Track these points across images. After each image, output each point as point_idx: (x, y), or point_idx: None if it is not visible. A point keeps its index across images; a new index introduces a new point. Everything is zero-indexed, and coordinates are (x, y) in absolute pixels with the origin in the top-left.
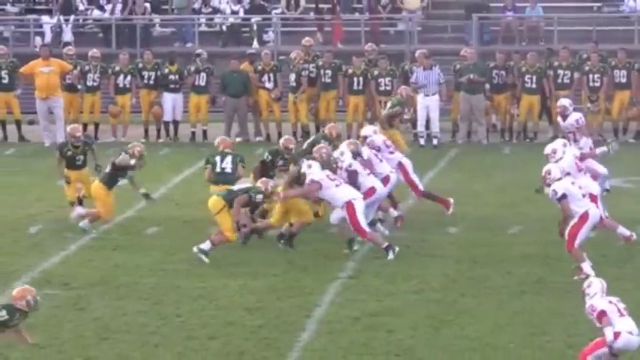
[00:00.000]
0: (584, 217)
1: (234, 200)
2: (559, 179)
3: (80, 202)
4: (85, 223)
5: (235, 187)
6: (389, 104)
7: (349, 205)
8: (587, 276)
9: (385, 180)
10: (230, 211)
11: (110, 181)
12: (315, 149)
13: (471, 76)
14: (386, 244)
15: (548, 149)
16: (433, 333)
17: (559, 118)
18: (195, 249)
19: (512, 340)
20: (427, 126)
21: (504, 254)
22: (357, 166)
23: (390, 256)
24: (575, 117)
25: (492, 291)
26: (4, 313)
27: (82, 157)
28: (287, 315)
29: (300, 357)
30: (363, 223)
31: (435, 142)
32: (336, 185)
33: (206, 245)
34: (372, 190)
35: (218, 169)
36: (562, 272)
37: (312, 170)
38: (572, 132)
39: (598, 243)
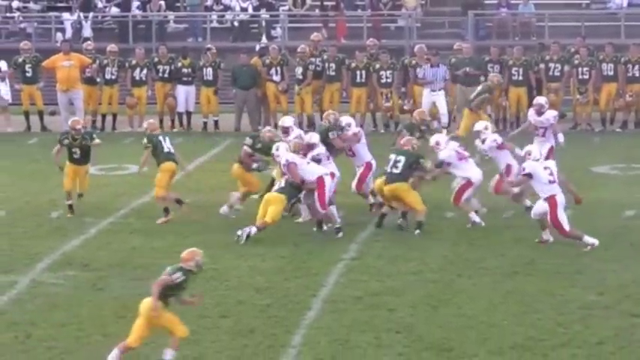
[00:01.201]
0: (554, 201)
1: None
2: (537, 160)
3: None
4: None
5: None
6: (479, 89)
7: (320, 180)
8: (593, 244)
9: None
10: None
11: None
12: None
13: (467, 69)
14: (338, 224)
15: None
16: (431, 311)
17: (533, 113)
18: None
19: (505, 318)
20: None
21: (498, 237)
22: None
23: (340, 234)
24: (552, 114)
25: (487, 272)
26: (179, 274)
27: (78, 150)
28: (294, 294)
29: (306, 334)
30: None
31: (443, 120)
32: (307, 163)
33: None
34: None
35: (166, 150)
36: (552, 254)
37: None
38: (545, 127)
39: (583, 226)
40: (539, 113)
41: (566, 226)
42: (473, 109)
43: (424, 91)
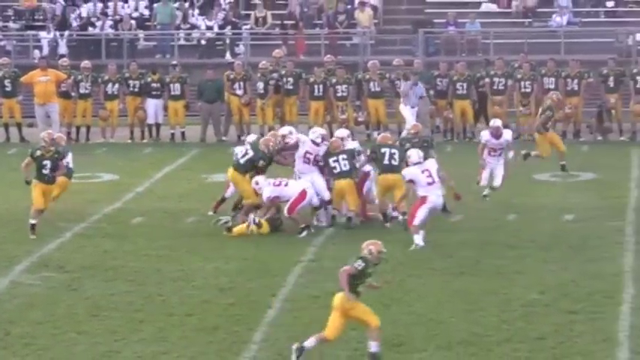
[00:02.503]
0: (424, 200)
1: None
2: (416, 164)
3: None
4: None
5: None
6: (541, 109)
7: (302, 192)
8: (417, 245)
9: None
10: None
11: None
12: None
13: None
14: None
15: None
16: (384, 309)
17: (491, 137)
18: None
19: (452, 315)
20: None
21: (446, 240)
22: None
23: (303, 234)
24: (509, 134)
25: (435, 272)
26: (360, 262)
27: (49, 163)
28: (255, 294)
29: (267, 331)
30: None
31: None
32: (285, 185)
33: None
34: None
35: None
36: (496, 256)
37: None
38: (502, 148)
39: (526, 229)
40: (497, 136)
41: (416, 221)
42: (540, 131)
43: (401, 106)
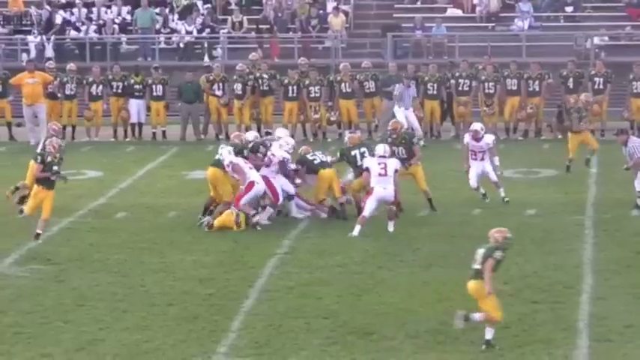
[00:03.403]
0: (371, 191)
1: None
2: (380, 157)
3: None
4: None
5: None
6: (570, 110)
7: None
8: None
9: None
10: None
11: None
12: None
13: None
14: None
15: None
16: (355, 299)
17: (471, 140)
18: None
19: (421, 305)
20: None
21: (415, 233)
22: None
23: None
24: (491, 138)
25: (405, 264)
26: (500, 252)
27: (57, 169)
28: (233, 285)
29: (244, 320)
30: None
31: (421, 143)
32: (250, 168)
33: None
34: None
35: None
36: (463, 248)
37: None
38: (483, 151)
39: (491, 223)
40: (477, 139)
41: (366, 212)
42: (574, 130)
43: (395, 108)
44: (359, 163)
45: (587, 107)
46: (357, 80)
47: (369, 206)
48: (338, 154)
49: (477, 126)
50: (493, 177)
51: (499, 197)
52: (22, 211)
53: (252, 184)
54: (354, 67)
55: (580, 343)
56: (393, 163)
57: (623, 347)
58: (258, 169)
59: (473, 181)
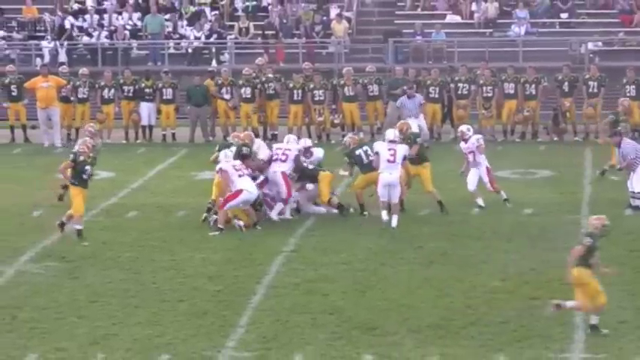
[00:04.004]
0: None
1: None
2: (390, 141)
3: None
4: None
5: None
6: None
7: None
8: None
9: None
10: None
11: None
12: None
13: (405, 88)
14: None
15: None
16: (359, 296)
17: (461, 142)
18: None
19: (422, 301)
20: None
21: (416, 232)
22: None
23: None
24: (475, 138)
25: (407, 262)
26: (588, 238)
27: (89, 168)
28: (241, 282)
29: (252, 315)
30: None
31: (425, 144)
32: (239, 175)
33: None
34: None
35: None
36: (462, 247)
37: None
38: (472, 151)
39: (489, 222)
40: (465, 140)
41: (383, 198)
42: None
43: (410, 120)
44: (365, 161)
45: (626, 112)
46: (361, 84)
47: (380, 193)
48: (346, 159)
49: (463, 128)
50: (488, 187)
51: (497, 197)
52: (62, 225)
53: (239, 192)
54: (357, 72)
55: (576, 337)
56: (402, 149)
57: (617, 341)
58: (261, 169)
59: (471, 186)
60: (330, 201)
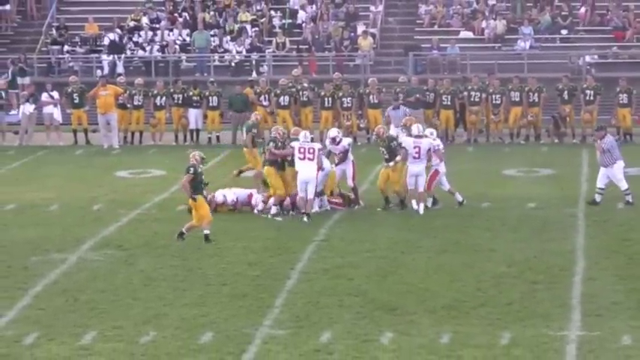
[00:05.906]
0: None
1: None
2: (416, 136)
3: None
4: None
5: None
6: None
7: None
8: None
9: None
10: None
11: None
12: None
13: (418, 95)
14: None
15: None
16: (381, 280)
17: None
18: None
19: (437, 285)
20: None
21: (431, 224)
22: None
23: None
24: (428, 141)
25: (423, 250)
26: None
27: (204, 179)
28: (277, 268)
29: (286, 297)
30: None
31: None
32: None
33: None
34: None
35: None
36: (473, 237)
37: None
38: (419, 148)
39: (497, 215)
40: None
41: (420, 188)
42: None
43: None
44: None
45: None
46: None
47: (409, 181)
48: (382, 149)
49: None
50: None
51: (504, 193)
52: (182, 235)
53: (251, 195)
54: (381, 82)
55: (574, 317)
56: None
57: (610, 321)
58: (286, 158)
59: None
60: (333, 194)
